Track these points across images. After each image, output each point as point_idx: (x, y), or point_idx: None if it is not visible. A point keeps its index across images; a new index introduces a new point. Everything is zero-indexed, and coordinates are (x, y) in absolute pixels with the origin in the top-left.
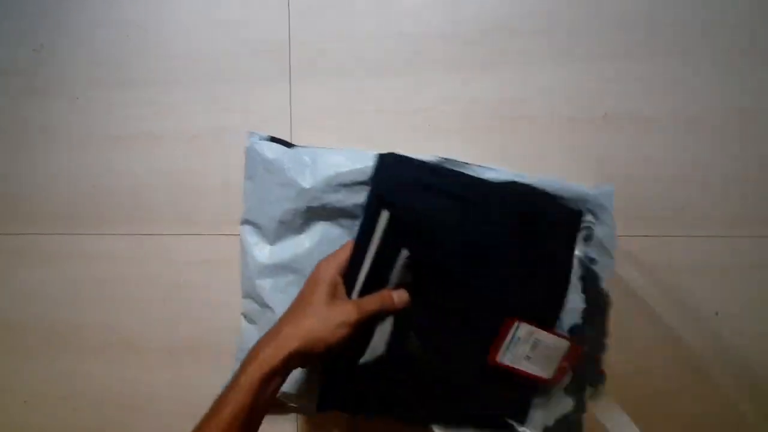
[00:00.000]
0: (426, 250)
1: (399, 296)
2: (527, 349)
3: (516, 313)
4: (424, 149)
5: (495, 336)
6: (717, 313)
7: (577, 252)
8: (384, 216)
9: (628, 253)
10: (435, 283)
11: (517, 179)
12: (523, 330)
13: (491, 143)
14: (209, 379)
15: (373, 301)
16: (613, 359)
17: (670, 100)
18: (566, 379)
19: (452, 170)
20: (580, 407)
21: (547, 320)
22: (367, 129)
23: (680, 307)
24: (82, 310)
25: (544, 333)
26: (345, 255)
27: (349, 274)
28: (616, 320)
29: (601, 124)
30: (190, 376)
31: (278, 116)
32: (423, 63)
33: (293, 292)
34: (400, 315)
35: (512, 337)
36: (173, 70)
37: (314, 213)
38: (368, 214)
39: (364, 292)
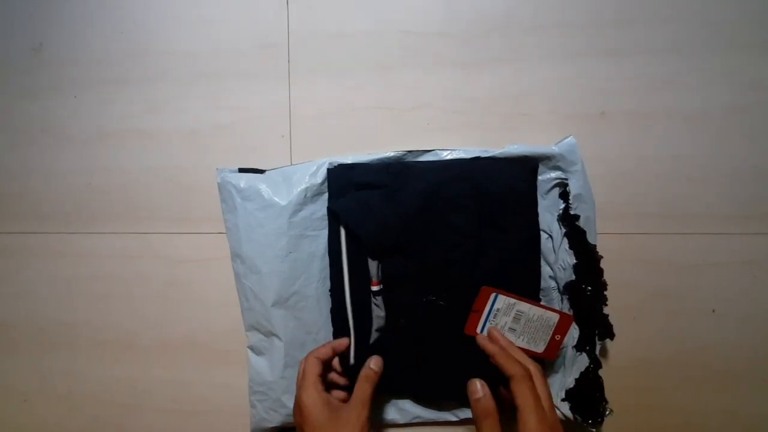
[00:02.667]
0: (377, 244)
1: (375, 364)
2: (509, 321)
3: (491, 285)
4: (422, 146)
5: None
6: (714, 311)
7: (557, 211)
8: (342, 230)
9: (624, 250)
10: (402, 267)
11: (482, 154)
12: (501, 301)
13: (490, 140)
14: (204, 377)
15: (363, 390)
16: (611, 355)
17: (667, 97)
18: (562, 353)
19: (393, 164)
20: (596, 363)
21: (527, 291)
22: (366, 126)
23: (677, 304)
24: (76, 309)
25: (527, 305)
26: (321, 356)
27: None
28: (614, 319)
29: (598, 122)
30: (185, 375)
31: (277, 114)
32: (422, 60)
33: (302, 317)
34: (389, 298)
35: (490, 309)
36: (170, 68)
37: (297, 230)
38: (329, 230)
39: (354, 299)
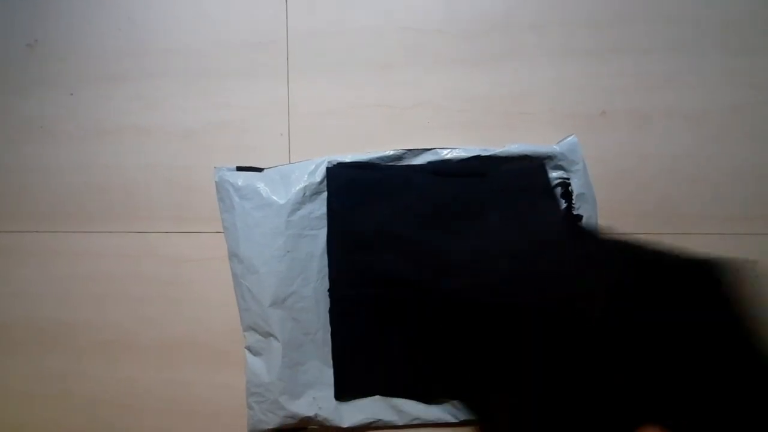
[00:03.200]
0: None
1: None
2: None
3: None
4: (422, 144)
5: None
6: None
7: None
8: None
9: None
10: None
11: (482, 153)
12: None
13: (490, 139)
14: (203, 377)
15: None
16: None
17: (667, 96)
18: None
19: (394, 164)
20: None
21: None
22: (365, 125)
23: None
24: (74, 308)
25: None
26: None
27: None
28: None
29: (599, 121)
30: (184, 375)
31: (275, 111)
32: (422, 59)
33: (300, 318)
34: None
35: None
36: (168, 65)
37: (295, 229)
38: (329, 229)
39: None
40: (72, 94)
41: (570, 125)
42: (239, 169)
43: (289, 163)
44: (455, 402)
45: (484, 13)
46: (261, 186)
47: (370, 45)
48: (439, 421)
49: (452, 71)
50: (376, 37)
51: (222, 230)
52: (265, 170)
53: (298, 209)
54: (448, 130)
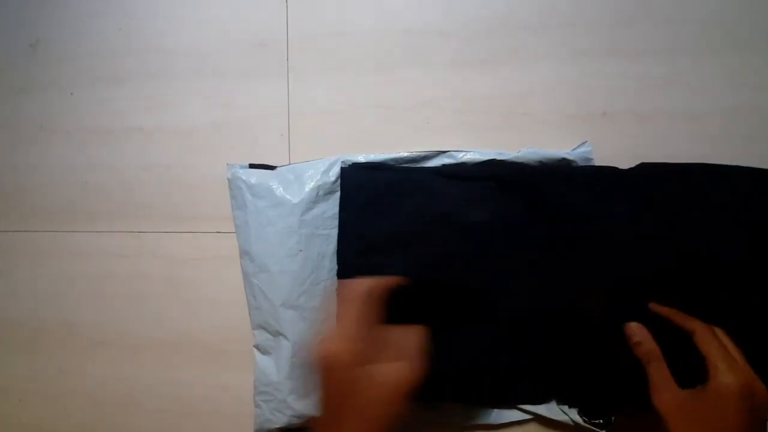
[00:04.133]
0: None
1: None
2: None
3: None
4: (422, 146)
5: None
6: None
7: None
8: None
9: None
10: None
11: (497, 157)
12: None
13: (490, 140)
14: (204, 377)
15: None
16: None
17: (669, 97)
18: None
19: (409, 168)
20: None
21: None
22: (365, 125)
23: None
24: (75, 308)
25: None
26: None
27: None
28: None
29: (600, 122)
30: (185, 374)
31: (275, 112)
32: (422, 59)
33: (311, 317)
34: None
35: None
36: (168, 65)
37: (308, 228)
38: (339, 231)
39: None
40: (72, 94)
41: (571, 126)
42: (252, 166)
43: (289, 163)
44: (462, 405)
45: (484, 13)
46: (274, 184)
47: (370, 45)
48: (440, 424)
49: (452, 72)
50: (376, 38)
51: (222, 230)
52: (278, 168)
53: (312, 208)
54: (448, 131)
